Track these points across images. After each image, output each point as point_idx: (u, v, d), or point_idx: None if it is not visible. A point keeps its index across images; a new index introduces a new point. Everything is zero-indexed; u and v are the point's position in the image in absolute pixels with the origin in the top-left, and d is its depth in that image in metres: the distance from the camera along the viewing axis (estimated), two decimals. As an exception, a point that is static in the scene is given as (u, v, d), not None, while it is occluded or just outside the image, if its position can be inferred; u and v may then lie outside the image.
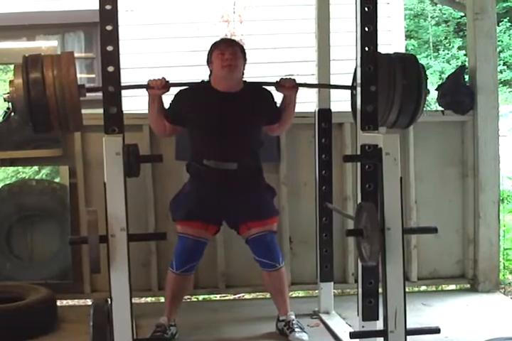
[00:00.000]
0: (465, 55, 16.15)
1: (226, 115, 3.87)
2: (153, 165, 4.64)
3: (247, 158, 3.94)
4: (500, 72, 17.67)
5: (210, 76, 3.96)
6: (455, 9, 11.26)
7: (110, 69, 3.05)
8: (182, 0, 8.76)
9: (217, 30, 8.05)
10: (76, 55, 3.35)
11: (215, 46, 3.90)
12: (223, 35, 7.81)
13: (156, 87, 3.77)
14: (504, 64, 18.93)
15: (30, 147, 4.65)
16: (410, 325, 3.24)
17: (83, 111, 3.26)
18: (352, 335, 3.33)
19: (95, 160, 4.53)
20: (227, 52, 3.83)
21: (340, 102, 4.19)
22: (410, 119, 3.65)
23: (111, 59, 3.06)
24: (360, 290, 3.49)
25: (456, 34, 20.89)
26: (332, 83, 4.36)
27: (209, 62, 3.92)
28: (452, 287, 5.20)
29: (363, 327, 3.49)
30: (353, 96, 3.75)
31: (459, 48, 19.67)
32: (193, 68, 4.67)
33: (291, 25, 8.47)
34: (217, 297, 5.12)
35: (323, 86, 4.32)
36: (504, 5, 19.55)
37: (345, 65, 4.73)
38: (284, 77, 3.95)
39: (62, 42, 8.76)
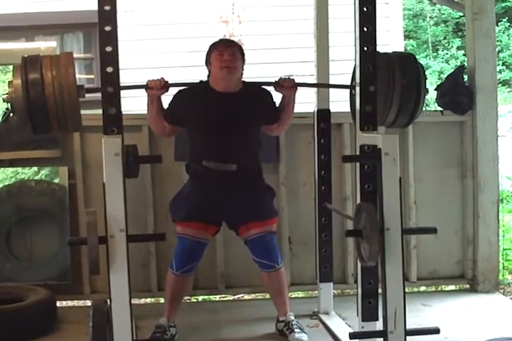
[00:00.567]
0: (464, 55, 16.17)
1: (225, 115, 3.87)
2: (152, 166, 4.64)
3: (246, 159, 3.94)
4: (500, 72, 17.65)
5: (208, 76, 3.96)
6: (454, 9, 11.27)
7: (109, 69, 3.06)
8: (181, 1, 8.77)
9: (216, 31, 8.06)
10: (75, 55, 3.35)
11: (213, 47, 3.90)
12: (222, 36, 7.81)
13: (155, 88, 3.77)
14: (503, 64, 18.93)
15: (30, 148, 4.65)
16: (410, 326, 3.24)
17: (82, 111, 3.26)
18: (351, 336, 3.33)
19: (94, 161, 4.52)
20: (226, 53, 3.83)
21: (339, 102, 4.20)
22: (409, 119, 3.65)
23: (110, 59, 3.06)
24: (359, 290, 3.49)
25: (455, 34, 20.89)
26: (331, 83, 4.36)
27: (208, 62, 3.92)
28: (452, 287, 5.20)
29: (362, 327, 3.49)
30: (352, 96, 3.76)
31: (458, 48, 19.67)
32: (192, 69, 4.68)
33: (290, 25, 8.48)
34: (217, 298, 5.12)
35: (322, 85, 4.32)
36: (503, 5, 19.56)
37: (344, 65, 4.73)
38: (283, 77, 3.95)
39: (61, 42, 8.77)
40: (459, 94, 4.91)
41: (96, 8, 3.04)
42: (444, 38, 20.94)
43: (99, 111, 3.09)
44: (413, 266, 4.93)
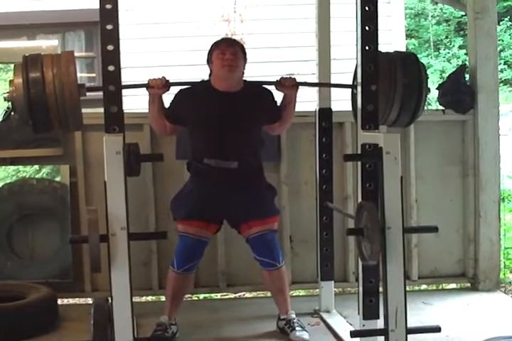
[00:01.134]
0: (466, 54, 16.12)
1: (226, 114, 3.87)
2: (153, 165, 4.64)
3: (247, 157, 3.94)
4: (501, 71, 17.64)
5: (210, 75, 3.96)
6: (456, 8, 11.25)
7: (111, 68, 3.06)
8: (182, -1, 8.77)
9: (218, 30, 8.05)
10: (76, 54, 3.36)
11: (215, 46, 3.90)
12: (224, 35, 7.81)
13: (156, 87, 3.76)
14: (505, 63, 18.89)
15: (31, 146, 4.65)
16: (411, 324, 3.24)
17: (84, 110, 3.27)
18: (353, 334, 3.34)
19: (96, 159, 4.52)
20: (228, 53, 3.83)
21: (341, 101, 4.19)
22: (411, 118, 3.66)
23: (111, 58, 3.06)
24: (360, 289, 3.49)
25: (457, 33, 20.86)
26: (332, 82, 4.36)
27: (209, 61, 3.92)
28: (453, 286, 5.20)
29: (363, 325, 3.49)
30: (354, 95, 3.75)
31: (460, 47, 19.63)
32: (194, 67, 4.68)
33: (291, 24, 8.47)
34: (218, 296, 5.12)
35: (324, 85, 4.32)
36: (505, 4, 19.50)
37: (345, 64, 4.73)
38: (285, 76, 3.95)
39: (63, 41, 8.76)
40: (460, 93, 4.91)
41: (97, 6, 3.05)
42: (446, 37, 20.91)
43: (101, 110, 3.09)
44: (414, 265, 4.93)
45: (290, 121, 4.08)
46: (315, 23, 4.34)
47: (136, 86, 3.84)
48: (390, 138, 3.20)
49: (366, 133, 3.38)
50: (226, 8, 8.57)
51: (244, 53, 3.94)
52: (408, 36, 18.58)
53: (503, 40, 19.00)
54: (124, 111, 3.12)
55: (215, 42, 3.93)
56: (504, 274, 5.46)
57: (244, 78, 3.97)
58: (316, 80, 4.41)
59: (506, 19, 19.51)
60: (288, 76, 3.94)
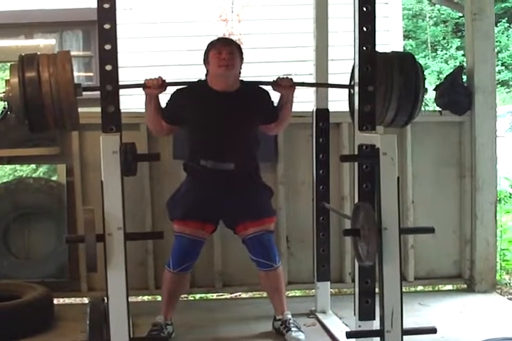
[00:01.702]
0: (463, 55, 16.17)
1: (223, 114, 3.87)
2: (150, 164, 4.64)
3: (244, 158, 3.94)
4: (499, 72, 17.67)
5: (206, 75, 3.95)
6: (453, 9, 11.27)
7: (108, 67, 3.06)
8: (180, -1, 8.76)
9: (216, 30, 8.04)
10: (74, 53, 3.37)
11: (211, 45, 3.90)
12: (221, 35, 7.80)
13: (153, 87, 3.76)
14: (502, 64, 18.93)
15: (28, 145, 4.65)
16: (407, 325, 3.24)
17: (80, 109, 3.26)
18: (348, 335, 3.34)
19: (92, 158, 4.52)
20: (225, 52, 3.83)
21: (338, 102, 4.19)
22: (408, 118, 3.66)
23: (109, 57, 3.06)
24: (356, 289, 3.49)
25: (455, 34, 20.90)
26: (330, 83, 4.36)
27: (206, 61, 3.92)
28: (449, 287, 5.20)
29: (359, 326, 3.49)
30: (351, 95, 3.75)
31: (457, 48, 19.67)
32: (191, 67, 4.67)
33: (289, 24, 8.47)
34: (214, 296, 5.12)
35: (321, 85, 4.32)
36: (502, 5, 19.56)
37: (343, 64, 4.72)
38: (281, 76, 3.94)
39: (61, 40, 8.76)
40: (457, 94, 4.91)
41: (95, 6, 3.04)
42: (444, 38, 20.95)
43: (98, 109, 3.09)
44: (410, 266, 4.94)
45: (287, 121, 4.07)
46: (313, 23, 4.33)
47: (132, 86, 3.84)
48: (386, 139, 3.20)
49: (363, 134, 3.38)
50: (224, 8, 8.56)
51: (241, 52, 3.93)
52: (406, 37, 18.61)
53: (500, 42, 19.05)
54: (121, 111, 3.12)
55: (211, 42, 3.93)
56: (500, 275, 5.46)
57: (241, 78, 3.96)
58: (313, 81, 4.41)
59: (504, 20, 19.56)
60: (284, 76, 3.95)
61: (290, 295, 4.90)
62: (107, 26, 3.04)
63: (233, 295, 5.12)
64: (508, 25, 19.83)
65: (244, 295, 5.11)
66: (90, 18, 4.84)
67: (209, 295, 5.11)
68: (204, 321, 4.35)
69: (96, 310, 3.22)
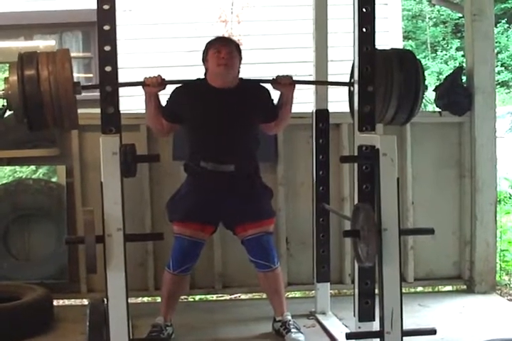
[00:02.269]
0: (463, 56, 16.17)
1: (222, 110, 3.86)
2: (150, 165, 4.64)
3: (244, 159, 3.93)
4: (498, 73, 17.67)
5: (205, 74, 3.95)
6: (453, 10, 11.28)
7: (108, 68, 3.06)
8: (180, 0, 8.76)
9: (215, 31, 8.04)
10: (74, 54, 3.37)
11: (210, 45, 3.90)
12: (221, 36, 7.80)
13: (152, 85, 3.76)
14: (502, 65, 18.93)
15: (28, 146, 4.65)
16: (406, 326, 3.24)
17: (80, 110, 3.26)
18: (348, 336, 3.33)
19: (92, 159, 4.51)
20: (223, 51, 3.83)
21: (338, 103, 4.19)
22: (408, 115, 3.64)
23: (108, 59, 3.06)
24: (356, 290, 3.49)
25: (454, 35, 20.90)
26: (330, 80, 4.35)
27: (204, 60, 3.92)
28: (449, 288, 5.20)
29: (359, 327, 3.49)
30: (351, 94, 3.74)
31: (457, 49, 19.68)
32: (191, 68, 4.67)
33: (289, 25, 8.47)
34: (214, 297, 5.12)
35: (321, 83, 4.30)
36: (502, 6, 19.57)
37: (342, 65, 4.72)
38: (281, 74, 3.94)
39: (60, 41, 8.76)
40: (457, 95, 4.91)
41: (95, 7, 3.04)
42: (443, 39, 20.95)
43: (98, 110, 3.09)
44: (410, 267, 4.94)
45: (286, 120, 4.07)
46: (312, 24, 4.33)
47: (131, 84, 3.83)
48: (386, 139, 3.20)
49: (363, 135, 3.38)
50: (223, 9, 8.57)
51: (240, 52, 3.93)
52: (405, 38, 18.61)
53: (500, 42, 19.05)
54: (121, 112, 3.12)
55: (210, 41, 3.93)
56: (500, 276, 5.46)
57: (240, 76, 3.96)
58: (312, 81, 4.41)
59: (503, 21, 19.56)
60: (284, 74, 3.94)
61: (290, 296, 4.90)
62: (106, 27, 3.04)
63: (233, 297, 5.12)
64: (507, 25, 19.83)
65: (243, 297, 5.10)
66: (90, 19, 4.84)
67: (209, 297, 5.11)
68: (204, 322, 4.35)
69: (96, 312, 3.22)
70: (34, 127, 3.28)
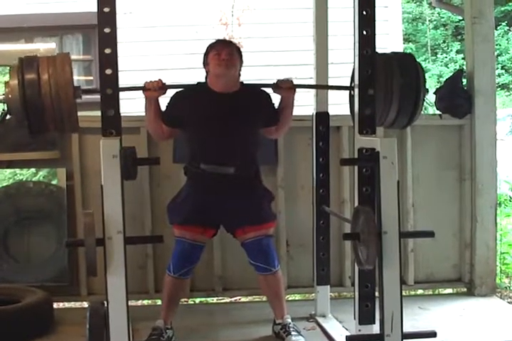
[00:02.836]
0: (463, 58, 16.16)
1: (223, 115, 3.85)
2: (150, 168, 4.64)
3: (244, 162, 3.93)
4: (498, 75, 17.68)
5: (206, 78, 3.95)
6: (453, 13, 11.29)
7: (108, 71, 3.07)
8: (181, 3, 8.78)
9: (216, 33, 8.06)
10: (74, 57, 3.37)
11: (211, 47, 3.89)
12: (221, 38, 7.80)
13: (153, 89, 3.76)
14: (502, 68, 18.94)
15: (28, 149, 4.65)
16: (407, 329, 3.24)
17: (81, 113, 3.26)
18: (348, 339, 3.33)
19: (92, 162, 4.51)
20: (224, 53, 3.82)
21: (338, 105, 4.20)
22: (409, 119, 3.64)
23: (109, 61, 3.07)
24: (356, 293, 3.49)
25: (455, 38, 20.91)
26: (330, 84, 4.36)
27: (205, 63, 3.92)
28: (449, 291, 5.19)
29: (359, 330, 3.50)
30: (351, 97, 3.75)
31: (457, 52, 19.68)
32: (192, 71, 4.68)
33: (289, 28, 8.49)
34: (214, 300, 5.11)
35: (321, 87, 4.31)
36: (502, 9, 19.57)
37: (343, 68, 4.73)
38: (281, 78, 3.94)
39: (61, 44, 8.78)
40: (457, 97, 4.91)
41: (95, 9, 3.04)
42: (443, 42, 20.96)
43: (98, 113, 3.09)
44: (410, 270, 4.93)
45: (288, 125, 4.07)
46: (313, 27, 4.34)
47: (132, 88, 3.83)
48: (386, 142, 3.20)
49: (363, 138, 3.38)
50: (224, 12, 8.59)
51: (240, 54, 3.93)
52: (406, 40, 18.63)
53: (500, 45, 19.05)
54: (121, 115, 3.12)
55: (211, 44, 3.93)
56: (500, 279, 5.45)
57: (241, 81, 3.96)
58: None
59: (504, 24, 19.57)
60: (285, 78, 3.94)
61: (290, 299, 4.90)
62: (107, 30, 3.05)
63: (233, 299, 5.12)
64: (507, 28, 19.84)
65: (244, 299, 5.10)
66: (90, 22, 4.86)
67: (209, 299, 5.10)
68: (204, 325, 4.35)
69: (96, 315, 3.22)
70: (35, 131, 3.28)
